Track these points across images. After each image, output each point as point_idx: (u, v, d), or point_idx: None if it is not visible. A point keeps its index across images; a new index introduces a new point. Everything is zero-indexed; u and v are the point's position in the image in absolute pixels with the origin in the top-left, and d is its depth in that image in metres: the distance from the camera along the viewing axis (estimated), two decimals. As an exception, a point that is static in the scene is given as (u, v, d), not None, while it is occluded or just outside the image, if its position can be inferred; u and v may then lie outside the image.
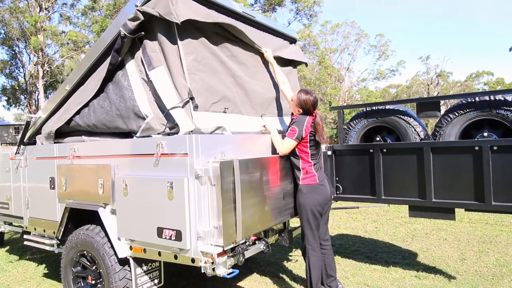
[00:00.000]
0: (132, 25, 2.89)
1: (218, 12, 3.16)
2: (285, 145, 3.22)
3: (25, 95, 33.49)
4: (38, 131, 4.04)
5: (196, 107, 2.80)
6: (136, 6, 2.89)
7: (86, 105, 3.45)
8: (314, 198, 3.19)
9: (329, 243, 3.45)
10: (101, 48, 3.24)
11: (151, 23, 2.93)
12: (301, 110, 3.29)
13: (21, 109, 36.46)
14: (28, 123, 4.04)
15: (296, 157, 3.26)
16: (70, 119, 3.60)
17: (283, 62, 4.00)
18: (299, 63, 4.37)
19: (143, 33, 2.98)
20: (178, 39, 2.83)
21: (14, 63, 32.61)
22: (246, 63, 3.51)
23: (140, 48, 3.06)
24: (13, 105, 34.32)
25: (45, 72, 30.38)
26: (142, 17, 2.86)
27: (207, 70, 3.00)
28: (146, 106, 2.99)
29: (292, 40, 4.32)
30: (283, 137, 3.29)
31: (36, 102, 32.63)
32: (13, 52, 31.80)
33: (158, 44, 2.94)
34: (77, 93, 3.59)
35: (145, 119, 2.97)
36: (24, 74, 32.94)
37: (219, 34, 3.17)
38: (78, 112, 3.52)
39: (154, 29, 2.94)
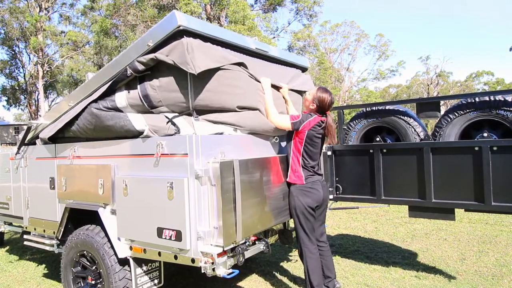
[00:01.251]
0: (141, 67, 2.84)
1: (232, 50, 3.15)
2: (280, 119, 3.15)
3: (25, 95, 33.50)
4: (37, 136, 4.04)
5: (197, 118, 2.83)
6: (148, 45, 2.85)
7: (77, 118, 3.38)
8: (303, 200, 3.17)
9: (326, 244, 3.43)
10: (109, 75, 3.17)
11: (157, 63, 2.87)
12: (315, 106, 3.23)
13: (21, 109, 36.52)
14: (29, 128, 4.05)
15: (291, 154, 3.25)
16: (68, 129, 3.53)
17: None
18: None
19: (149, 72, 2.92)
20: (190, 87, 2.81)
21: (14, 63, 32.64)
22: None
23: (138, 85, 2.97)
24: (13, 105, 34.35)
25: (45, 72, 30.39)
26: (153, 64, 2.82)
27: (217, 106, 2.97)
28: (142, 123, 2.93)
29: (304, 69, 4.32)
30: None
31: (36, 102, 32.65)
32: (13, 52, 31.82)
33: (162, 84, 2.87)
34: (75, 109, 3.51)
35: (142, 133, 2.93)
36: (24, 74, 32.96)
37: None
38: (73, 124, 3.45)
39: (160, 69, 2.88)
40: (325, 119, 3.25)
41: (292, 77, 3.88)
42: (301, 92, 4.12)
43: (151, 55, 2.79)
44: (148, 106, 2.97)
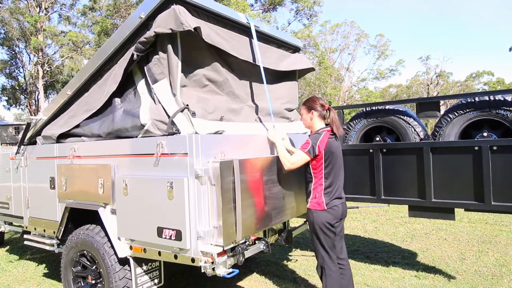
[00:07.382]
0: (146, 46, 2.88)
1: (221, 23, 3.23)
2: (295, 158, 2.92)
3: (25, 95, 33.52)
4: (38, 133, 4.04)
5: (194, 114, 2.84)
6: (141, 17, 2.92)
7: (93, 114, 3.44)
8: (323, 216, 2.96)
9: (346, 262, 3.17)
10: (104, 55, 3.23)
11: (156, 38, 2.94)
12: (313, 112, 3.04)
13: (21, 109, 36.54)
14: (28, 125, 4.05)
15: (310, 176, 3.01)
16: (75, 126, 3.58)
17: (282, 74, 3.95)
18: (305, 72, 4.33)
19: (152, 48, 2.96)
20: (179, 52, 2.89)
21: (14, 63, 32.66)
22: (247, 75, 3.52)
23: (145, 65, 3.03)
24: (13, 105, 34.37)
25: (45, 72, 30.41)
26: (154, 39, 2.86)
27: (202, 85, 3.10)
28: (147, 115, 2.95)
29: (296, 49, 4.29)
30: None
31: (36, 102, 32.66)
32: (13, 52, 31.83)
33: (161, 57, 2.94)
34: (82, 100, 3.56)
35: (143, 127, 2.94)
36: (24, 74, 32.98)
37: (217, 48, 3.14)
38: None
39: (158, 43, 2.93)
40: (329, 115, 3.04)
41: (279, 56, 3.85)
42: (294, 74, 4.13)
43: (151, 32, 2.82)
44: (152, 81, 3.00)
